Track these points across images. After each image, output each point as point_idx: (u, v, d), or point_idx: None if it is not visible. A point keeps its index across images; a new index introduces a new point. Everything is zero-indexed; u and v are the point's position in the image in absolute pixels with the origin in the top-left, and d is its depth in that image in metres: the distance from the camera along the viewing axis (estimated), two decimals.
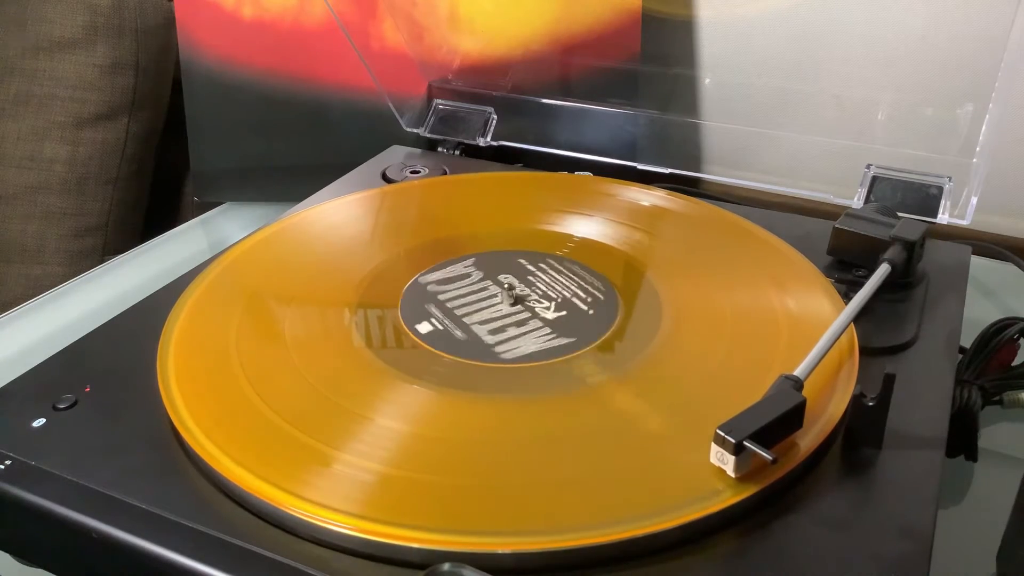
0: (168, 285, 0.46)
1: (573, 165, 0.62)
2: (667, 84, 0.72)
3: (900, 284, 0.44)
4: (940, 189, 0.51)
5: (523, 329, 0.41)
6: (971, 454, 0.43)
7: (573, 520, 0.30)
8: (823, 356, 0.35)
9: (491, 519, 0.30)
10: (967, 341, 0.46)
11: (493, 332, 0.41)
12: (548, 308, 0.43)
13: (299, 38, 0.70)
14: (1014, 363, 0.47)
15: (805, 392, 0.33)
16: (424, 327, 0.41)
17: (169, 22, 0.82)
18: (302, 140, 0.72)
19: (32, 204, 0.81)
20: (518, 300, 0.43)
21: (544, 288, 0.45)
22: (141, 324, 0.42)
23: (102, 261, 0.76)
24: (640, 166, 0.61)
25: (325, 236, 0.50)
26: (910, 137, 0.55)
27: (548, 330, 0.41)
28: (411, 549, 0.29)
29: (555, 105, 0.65)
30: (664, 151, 0.64)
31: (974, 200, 0.49)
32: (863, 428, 0.34)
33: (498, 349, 0.40)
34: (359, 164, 0.62)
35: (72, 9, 0.79)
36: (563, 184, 0.57)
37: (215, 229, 0.72)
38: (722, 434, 0.31)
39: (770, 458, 0.30)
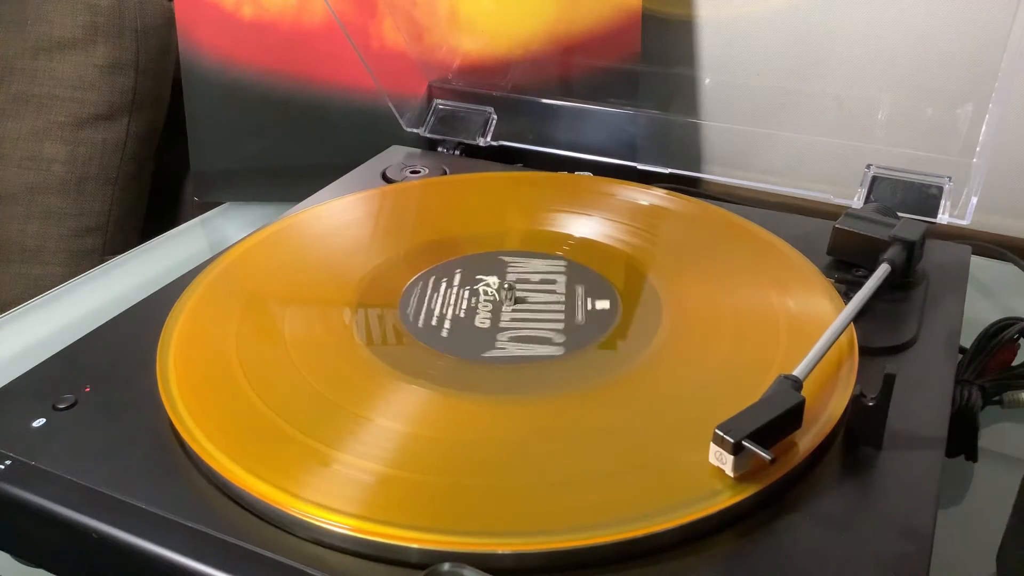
0: (168, 285, 0.46)
1: (573, 165, 0.62)
2: (667, 84, 0.72)
3: (900, 284, 0.44)
4: (940, 189, 0.51)
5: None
6: (971, 454, 0.43)
7: (573, 520, 0.30)
8: (822, 356, 0.35)
9: (491, 519, 0.30)
10: (967, 341, 0.46)
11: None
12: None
13: (299, 38, 0.70)
14: (1014, 363, 0.47)
15: (805, 392, 0.33)
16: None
17: (169, 22, 0.82)
18: (302, 140, 0.72)
19: (32, 204, 0.81)
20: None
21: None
22: (141, 324, 0.42)
23: (102, 261, 0.76)
24: (640, 166, 0.61)
25: (325, 236, 0.51)
26: (910, 137, 0.55)
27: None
28: (411, 549, 0.29)
29: (555, 105, 0.65)
30: (664, 151, 0.64)
31: (974, 200, 0.49)
32: (863, 428, 0.34)
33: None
34: (359, 164, 0.62)
35: (72, 9, 0.79)
36: (563, 184, 0.57)
37: (215, 229, 0.72)
38: (721, 434, 0.31)
39: (768, 458, 0.30)
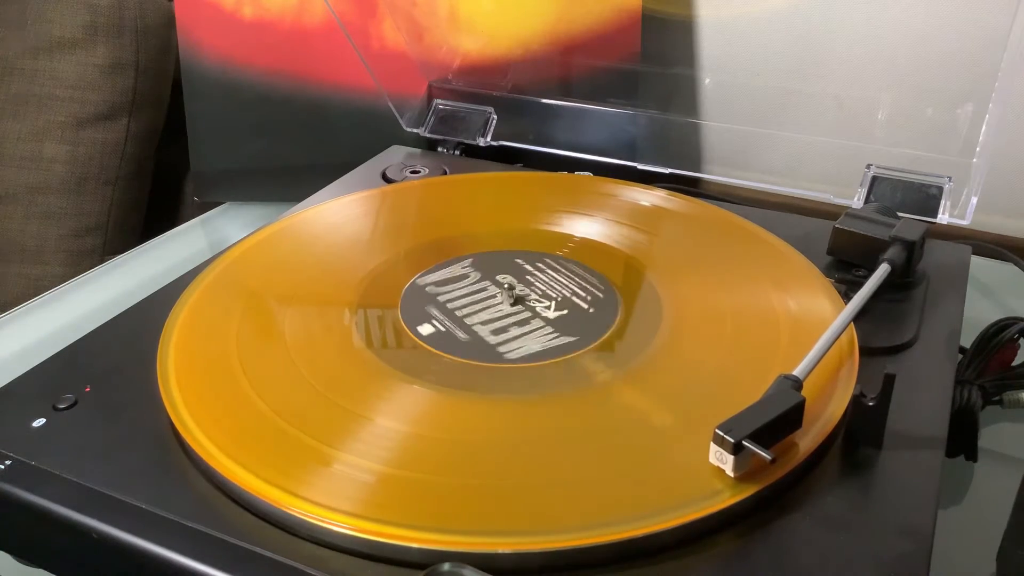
0: (168, 285, 0.46)
1: (573, 165, 0.62)
2: (667, 84, 0.72)
3: (900, 284, 0.44)
4: (940, 189, 0.51)
5: (523, 329, 0.41)
6: (971, 454, 0.43)
7: (573, 520, 0.30)
8: (822, 356, 0.35)
9: (491, 519, 0.30)
10: (967, 341, 0.46)
11: (493, 332, 0.41)
12: (548, 308, 0.43)
13: (299, 38, 0.70)
14: (1014, 363, 0.47)
15: (805, 392, 0.33)
16: (424, 327, 0.41)
17: (169, 22, 0.82)
18: (302, 140, 0.72)
19: (32, 204, 0.81)
20: (518, 300, 0.43)
21: (544, 288, 0.45)
22: (141, 324, 0.42)
23: (102, 261, 0.76)
24: (640, 166, 0.61)
25: (325, 236, 0.51)
26: (910, 137, 0.55)
27: (548, 330, 0.41)
28: (411, 549, 0.29)
29: (555, 105, 0.65)
30: (664, 151, 0.64)
31: (974, 200, 0.49)
32: (863, 428, 0.34)
33: (498, 349, 0.40)
34: (359, 164, 0.62)
35: (72, 9, 0.79)
36: (563, 184, 0.57)
37: (215, 229, 0.72)
38: (721, 434, 0.31)
39: (769, 458, 0.30)
